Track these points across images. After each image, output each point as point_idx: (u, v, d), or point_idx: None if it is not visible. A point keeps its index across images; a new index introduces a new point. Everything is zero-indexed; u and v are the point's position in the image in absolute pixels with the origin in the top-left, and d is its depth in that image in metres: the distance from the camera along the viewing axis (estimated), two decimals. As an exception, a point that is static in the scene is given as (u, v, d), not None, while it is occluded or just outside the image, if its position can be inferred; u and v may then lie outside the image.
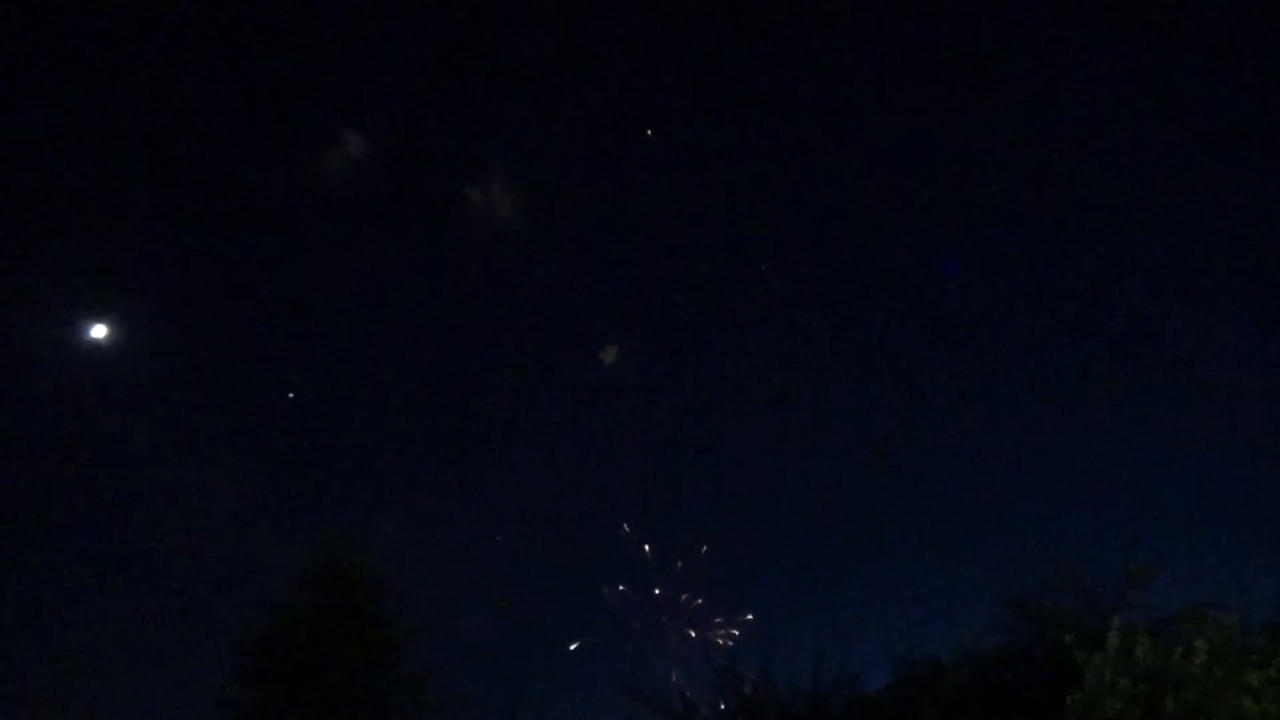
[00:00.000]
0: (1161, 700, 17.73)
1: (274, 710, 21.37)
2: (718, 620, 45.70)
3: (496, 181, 42.26)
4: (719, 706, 26.00)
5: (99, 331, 33.71)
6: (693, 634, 46.15)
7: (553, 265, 44.89)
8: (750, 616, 45.52)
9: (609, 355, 40.91)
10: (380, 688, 22.18)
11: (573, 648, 45.98)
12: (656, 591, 46.25)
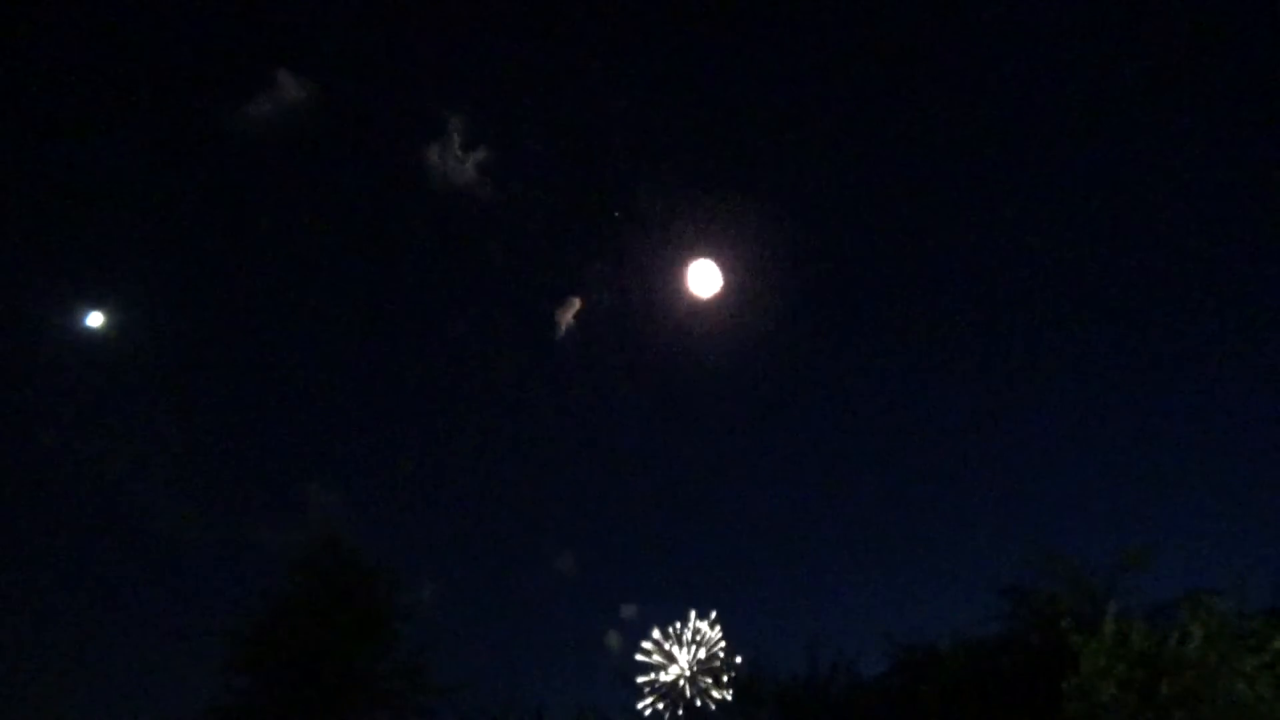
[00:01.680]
0: (1157, 685, 17.84)
1: (272, 697, 21.40)
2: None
3: (455, 141, 41.02)
4: (714, 693, 26.20)
5: (95, 319, 33.88)
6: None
7: (512, 229, 43.74)
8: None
9: (568, 311, 39.84)
10: (378, 672, 22.19)
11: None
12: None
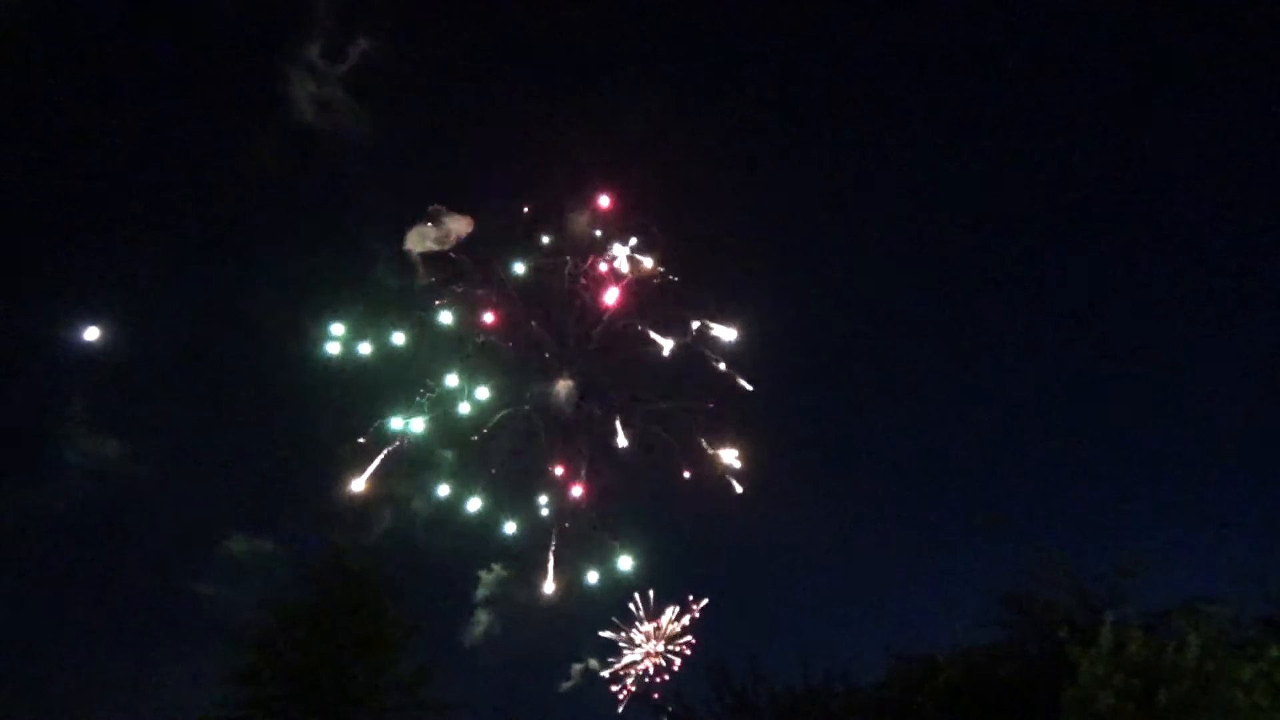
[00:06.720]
0: (1155, 694, 17.93)
1: (271, 710, 21.29)
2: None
3: (310, 46, 35.88)
4: (712, 705, 26.17)
5: (91, 333, 33.97)
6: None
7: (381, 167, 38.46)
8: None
9: (450, 229, 35.69)
10: (378, 687, 22.08)
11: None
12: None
